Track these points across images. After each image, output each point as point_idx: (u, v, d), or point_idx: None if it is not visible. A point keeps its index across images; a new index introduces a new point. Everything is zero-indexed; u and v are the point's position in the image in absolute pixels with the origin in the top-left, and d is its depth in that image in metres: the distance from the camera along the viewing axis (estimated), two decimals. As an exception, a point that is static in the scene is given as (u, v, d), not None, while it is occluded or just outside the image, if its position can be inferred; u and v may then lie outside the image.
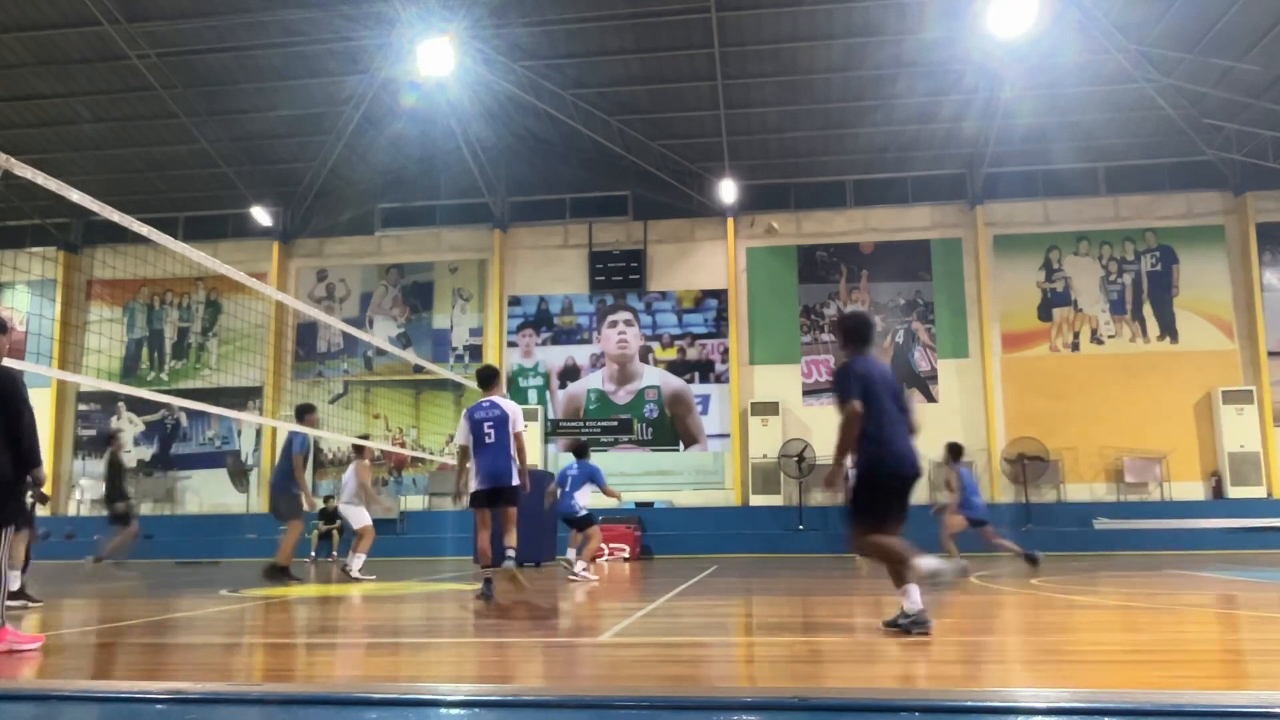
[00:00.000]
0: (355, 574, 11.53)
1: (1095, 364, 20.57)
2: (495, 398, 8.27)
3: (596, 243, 22.15)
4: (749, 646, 5.28)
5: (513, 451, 8.04)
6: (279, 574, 10.69)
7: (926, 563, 5.00)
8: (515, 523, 8.05)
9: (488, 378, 8.54)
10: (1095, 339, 20.77)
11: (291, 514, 11.07)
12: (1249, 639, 5.27)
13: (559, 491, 11.77)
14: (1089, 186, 21.16)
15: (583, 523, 11.57)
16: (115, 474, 12.85)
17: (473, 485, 8.08)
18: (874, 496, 5.29)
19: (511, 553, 7.99)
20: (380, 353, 21.92)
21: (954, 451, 11.87)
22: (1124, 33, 17.39)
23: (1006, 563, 14.46)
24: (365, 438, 12.15)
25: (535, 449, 20.67)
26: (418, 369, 20.82)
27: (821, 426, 19.78)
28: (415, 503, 21.67)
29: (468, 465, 8.12)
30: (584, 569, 11.34)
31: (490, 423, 8.05)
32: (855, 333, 5.63)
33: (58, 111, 20.27)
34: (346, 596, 9.16)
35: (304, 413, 11.45)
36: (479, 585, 8.06)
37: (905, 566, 5.05)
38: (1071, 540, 18.17)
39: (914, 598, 5.05)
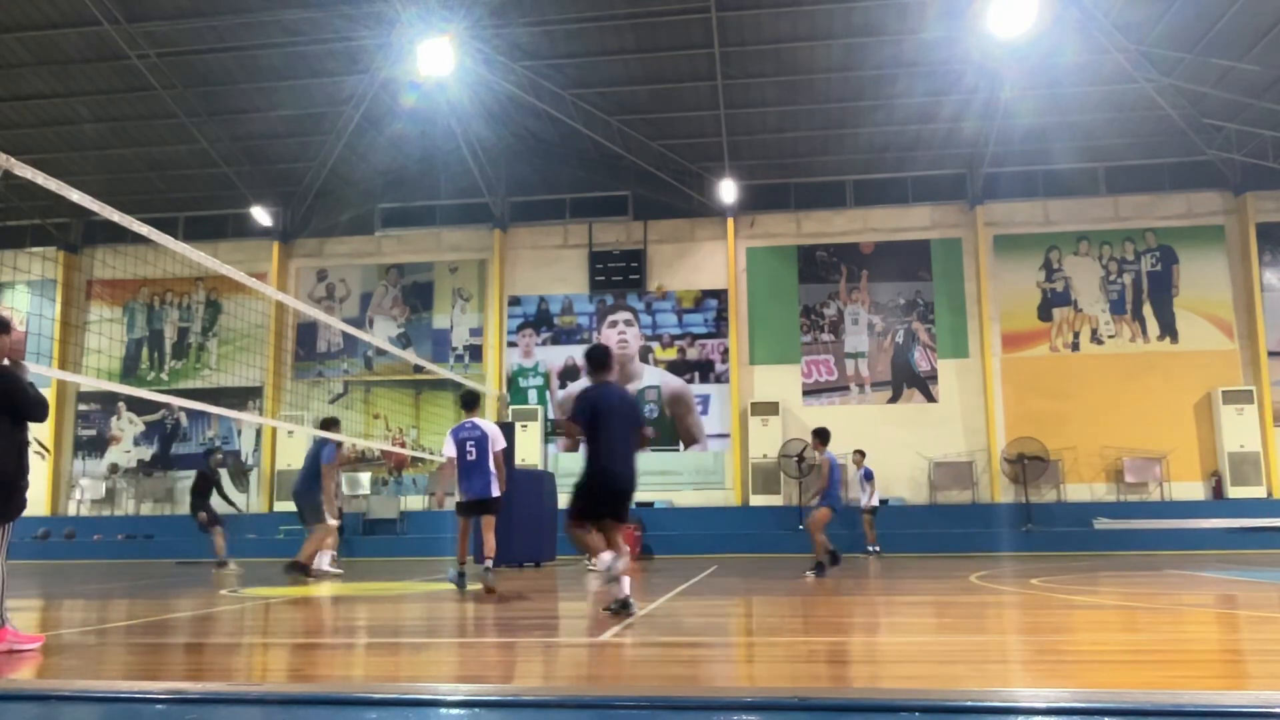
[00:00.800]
0: (326, 568, 11.86)
1: (1095, 364, 20.57)
2: (476, 419, 9.53)
3: (596, 243, 22.15)
4: (749, 646, 5.28)
5: (493, 467, 9.27)
6: (298, 570, 10.97)
7: (604, 560, 6.28)
8: (493, 529, 9.37)
9: (470, 401, 9.93)
10: (1095, 339, 20.77)
11: (315, 518, 11.55)
12: (1249, 639, 5.27)
13: None
14: (1089, 186, 21.16)
15: None
16: (204, 487, 14.61)
17: (458, 496, 9.36)
18: (591, 501, 6.55)
19: (489, 563, 9.22)
20: (380, 353, 21.92)
21: (821, 436, 11.09)
22: (1124, 33, 17.39)
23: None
24: (331, 424, 11.88)
25: (535, 449, 20.68)
26: (418, 369, 20.82)
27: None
28: (415, 503, 21.67)
29: (451, 477, 9.34)
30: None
31: (472, 442, 9.26)
32: (594, 362, 6.84)
33: (58, 111, 20.27)
34: (346, 597, 9.17)
35: (330, 425, 12.15)
36: (451, 572, 9.47)
37: (592, 548, 6.42)
38: (1071, 540, 18.19)
39: (605, 559, 6.29)
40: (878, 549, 16.89)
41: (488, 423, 9.57)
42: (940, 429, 20.55)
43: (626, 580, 6.31)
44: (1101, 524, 18.80)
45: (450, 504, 9.70)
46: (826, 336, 21.32)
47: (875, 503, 17.05)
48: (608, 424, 6.51)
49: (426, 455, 20.75)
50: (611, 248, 22.08)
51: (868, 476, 16.94)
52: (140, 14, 17.75)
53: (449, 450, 9.26)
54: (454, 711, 3.15)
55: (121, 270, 22.66)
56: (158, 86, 19.34)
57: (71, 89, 19.61)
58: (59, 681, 3.85)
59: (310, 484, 11.65)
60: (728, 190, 20.93)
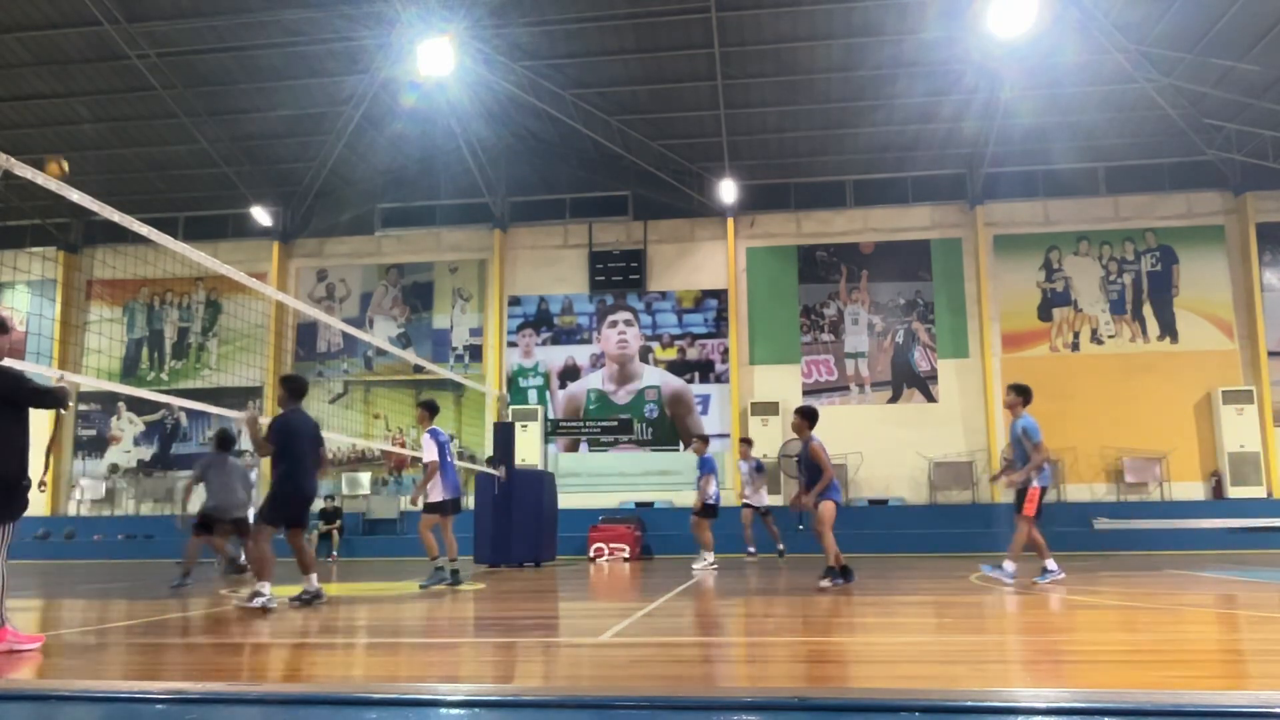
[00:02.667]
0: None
1: (1095, 364, 20.57)
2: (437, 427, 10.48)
3: (596, 243, 22.15)
4: (749, 646, 5.28)
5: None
6: (235, 570, 11.92)
7: (266, 586, 7.37)
8: None
9: (437, 408, 10.88)
10: (1095, 339, 20.77)
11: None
12: (1249, 639, 5.27)
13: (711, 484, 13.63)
14: (1089, 186, 21.16)
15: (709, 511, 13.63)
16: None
17: (444, 494, 10.24)
18: (279, 512, 7.76)
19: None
20: (380, 353, 21.92)
21: (807, 417, 10.44)
22: (1124, 33, 17.39)
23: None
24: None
25: (535, 449, 20.67)
26: (418, 369, 20.82)
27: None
28: (415, 503, 21.64)
29: (434, 478, 10.17)
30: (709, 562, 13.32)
31: (448, 445, 10.47)
32: (289, 391, 8.04)
33: (58, 111, 20.27)
34: (346, 597, 9.16)
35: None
36: (435, 574, 10.15)
37: (264, 568, 7.46)
38: (1071, 540, 18.17)
39: (267, 588, 7.33)
40: (753, 551, 15.65)
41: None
42: (940, 429, 20.55)
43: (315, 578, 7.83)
44: (1101, 524, 18.80)
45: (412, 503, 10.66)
46: (826, 336, 21.32)
47: (765, 501, 15.86)
48: (298, 449, 7.74)
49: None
50: (611, 248, 22.08)
51: (758, 469, 15.72)
52: (140, 14, 17.75)
53: (434, 453, 10.02)
54: (454, 711, 3.15)
55: (121, 270, 22.66)
56: (158, 86, 19.34)
57: (71, 89, 19.61)
58: (59, 681, 3.85)
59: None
60: (728, 190, 20.93)
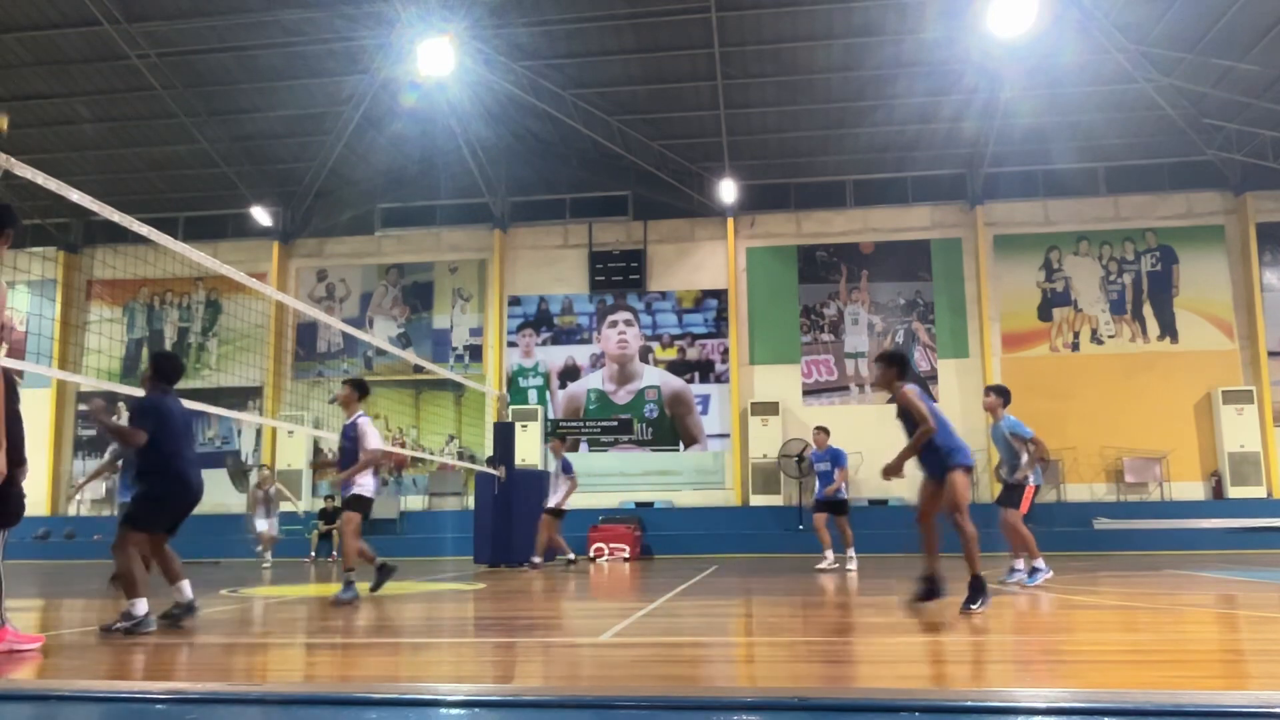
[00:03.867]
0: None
1: (1095, 364, 20.57)
2: None
3: (596, 243, 22.15)
4: (749, 646, 5.28)
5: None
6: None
7: (139, 604, 5.71)
8: None
9: (368, 390, 8.94)
10: (1095, 339, 20.78)
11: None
12: (1249, 639, 5.27)
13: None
14: (1089, 186, 21.16)
15: (839, 508, 12.64)
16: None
17: (374, 489, 8.38)
18: (162, 515, 6.17)
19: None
20: (380, 353, 21.91)
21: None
22: (1124, 33, 17.39)
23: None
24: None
25: (535, 449, 20.67)
26: (418, 369, 20.81)
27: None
28: (415, 503, 21.68)
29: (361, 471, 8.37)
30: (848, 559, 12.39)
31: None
32: (160, 371, 6.39)
33: (58, 111, 20.27)
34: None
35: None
36: (348, 590, 7.93)
37: (134, 585, 5.78)
38: (1071, 540, 18.17)
39: (141, 607, 5.69)
40: (572, 557, 14.70)
41: None
42: (940, 429, 20.53)
43: (186, 584, 6.22)
44: (1101, 524, 18.80)
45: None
46: (826, 336, 21.32)
47: (565, 504, 14.38)
48: (175, 434, 6.21)
49: (426, 456, 20.76)
50: (611, 248, 22.08)
51: (565, 469, 14.42)
52: (140, 14, 17.75)
53: (378, 440, 8.37)
54: (454, 711, 3.15)
55: (121, 270, 22.65)
56: (158, 86, 19.34)
57: (71, 89, 19.61)
58: (59, 681, 3.84)
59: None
60: (728, 190, 20.93)
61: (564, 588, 10.19)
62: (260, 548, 17.13)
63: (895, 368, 6.70)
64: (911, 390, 6.44)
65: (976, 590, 6.17)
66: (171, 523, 6.29)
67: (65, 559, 19.64)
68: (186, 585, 6.20)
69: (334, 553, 19.32)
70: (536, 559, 14.16)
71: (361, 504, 8.25)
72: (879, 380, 6.84)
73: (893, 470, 6.56)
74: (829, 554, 12.63)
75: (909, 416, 6.47)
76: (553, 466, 14.79)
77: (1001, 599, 7.84)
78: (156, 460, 6.15)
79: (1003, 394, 9.26)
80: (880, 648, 4.91)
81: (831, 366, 21.23)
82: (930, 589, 6.36)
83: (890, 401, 6.65)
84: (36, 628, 5.84)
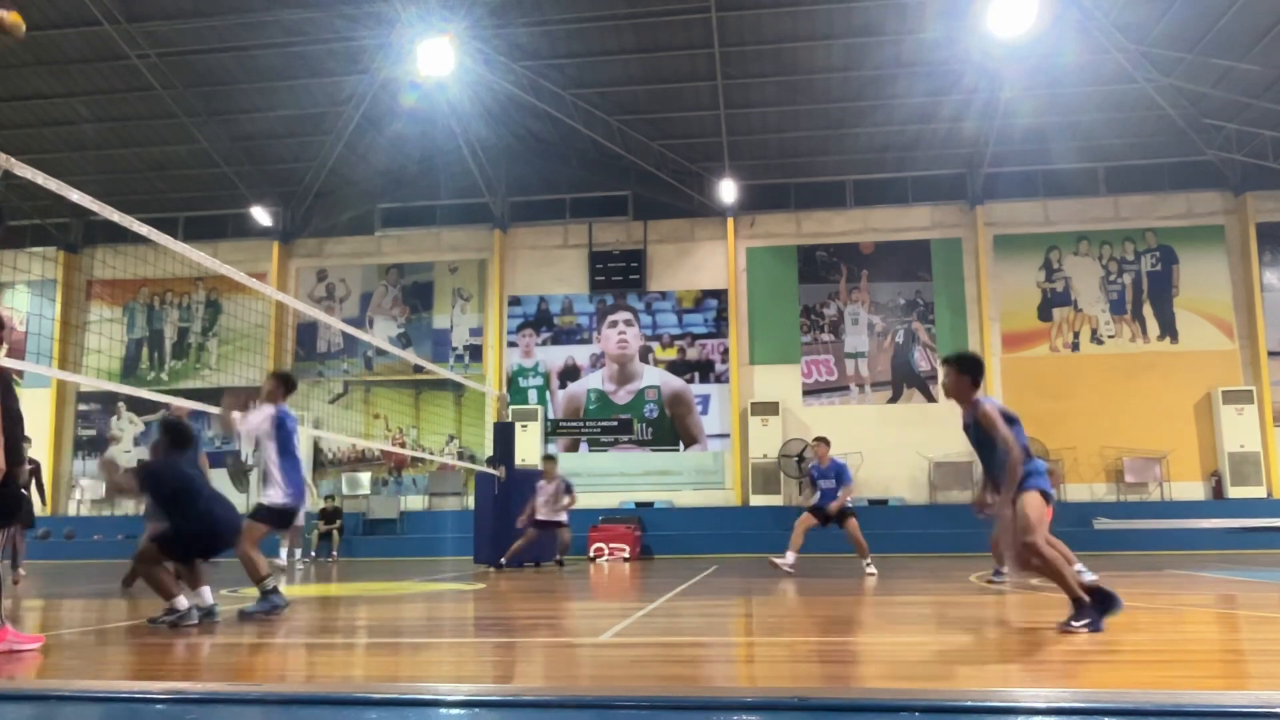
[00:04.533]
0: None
1: (1095, 364, 20.57)
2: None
3: (596, 243, 22.15)
4: (749, 646, 5.28)
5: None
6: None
7: (179, 601, 6.10)
8: None
9: (294, 385, 7.65)
10: (1095, 339, 20.78)
11: None
12: (1249, 639, 5.27)
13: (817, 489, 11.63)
14: (1089, 186, 21.16)
15: (843, 516, 11.46)
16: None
17: (283, 499, 7.12)
18: (182, 549, 6.39)
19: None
20: (380, 353, 21.92)
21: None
22: (1124, 33, 17.39)
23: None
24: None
25: (535, 449, 20.67)
26: (418, 369, 20.82)
27: (822, 427, 19.77)
28: (415, 503, 21.68)
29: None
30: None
31: (295, 434, 7.24)
32: (172, 439, 6.60)
33: (58, 111, 20.27)
34: (347, 597, 9.16)
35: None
36: (265, 599, 6.81)
37: (164, 590, 6.12)
38: (1071, 540, 17.97)
39: (182, 602, 6.06)
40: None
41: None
42: (940, 429, 20.51)
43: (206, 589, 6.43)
44: (1101, 524, 18.80)
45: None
46: (826, 336, 21.32)
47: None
48: (179, 491, 6.32)
49: (426, 455, 20.76)
50: (611, 248, 22.08)
51: (568, 489, 14.52)
52: (140, 14, 17.75)
53: (258, 420, 7.09)
54: (454, 711, 3.15)
55: (121, 270, 22.65)
56: (158, 86, 19.34)
57: (71, 89, 19.61)
58: (59, 681, 3.84)
59: None
60: (728, 190, 20.94)
61: (563, 588, 10.20)
62: None
63: (969, 376, 5.81)
64: (994, 409, 5.66)
65: (1084, 607, 5.30)
66: (199, 557, 6.55)
67: (65, 559, 19.64)
68: (207, 591, 6.40)
69: (334, 553, 19.34)
70: (503, 560, 14.06)
71: (267, 515, 7.13)
72: (950, 389, 5.88)
73: (984, 505, 6.25)
74: (790, 555, 11.59)
75: (978, 429, 5.75)
76: (541, 482, 14.48)
77: (1002, 599, 7.83)
78: (174, 511, 6.40)
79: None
80: (880, 648, 4.91)
81: (831, 366, 21.23)
82: (1103, 601, 5.36)
83: (960, 408, 5.89)
84: (36, 628, 5.84)
